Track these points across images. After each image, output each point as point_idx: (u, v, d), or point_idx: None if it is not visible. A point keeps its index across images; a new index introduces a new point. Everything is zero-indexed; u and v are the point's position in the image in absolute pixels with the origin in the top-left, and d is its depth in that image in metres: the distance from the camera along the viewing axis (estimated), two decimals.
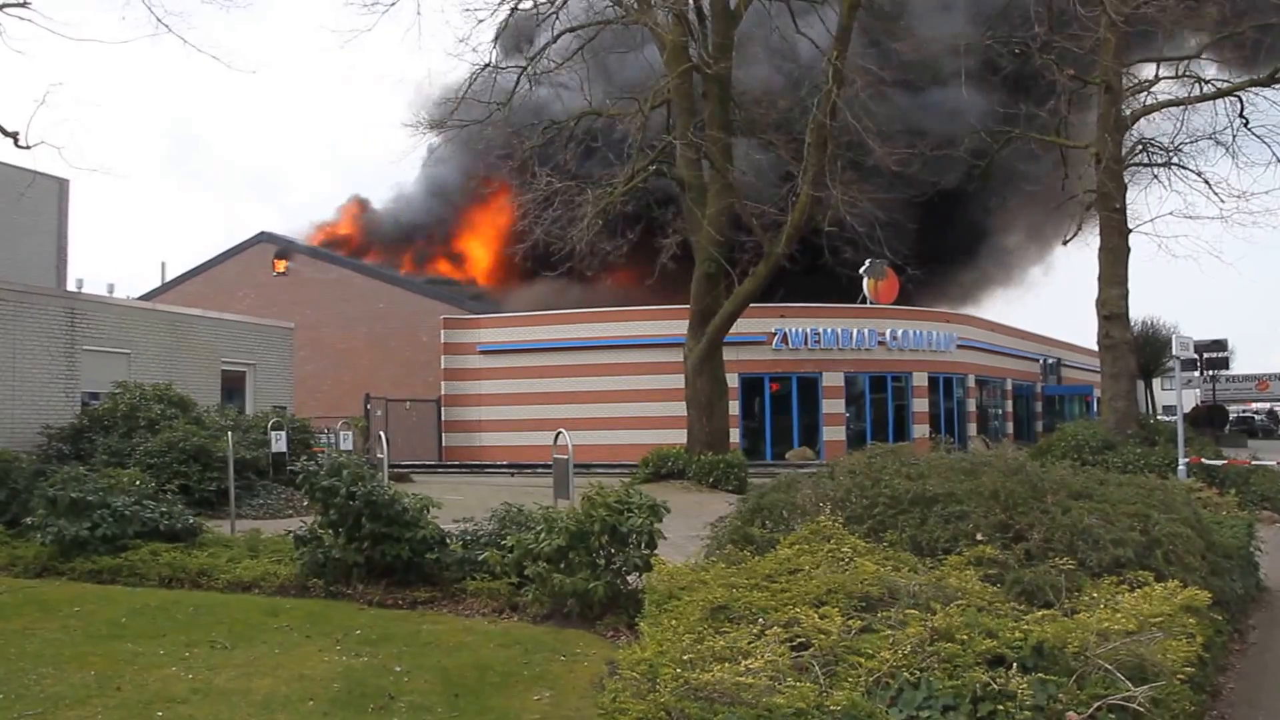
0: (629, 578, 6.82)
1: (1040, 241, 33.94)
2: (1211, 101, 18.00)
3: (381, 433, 15.95)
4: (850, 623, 4.24)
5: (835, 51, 16.94)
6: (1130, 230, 17.91)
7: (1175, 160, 19.01)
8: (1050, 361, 36.16)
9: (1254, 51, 16.56)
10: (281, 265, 31.35)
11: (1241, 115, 18.04)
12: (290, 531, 8.38)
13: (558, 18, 20.24)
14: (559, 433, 9.63)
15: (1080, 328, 77.36)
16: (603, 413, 25.40)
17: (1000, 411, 32.87)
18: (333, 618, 6.96)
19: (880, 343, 26.66)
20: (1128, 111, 18.02)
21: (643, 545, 6.79)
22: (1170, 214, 19.00)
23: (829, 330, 26.24)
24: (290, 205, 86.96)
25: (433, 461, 25.89)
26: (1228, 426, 42.59)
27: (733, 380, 23.00)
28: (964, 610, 4.24)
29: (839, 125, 17.15)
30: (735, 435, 23.68)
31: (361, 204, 37.67)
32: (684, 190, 20.01)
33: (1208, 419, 38.05)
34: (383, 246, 35.01)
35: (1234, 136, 18.15)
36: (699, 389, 19.69)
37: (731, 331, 20.39)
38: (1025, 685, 3.58)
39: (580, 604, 6.67)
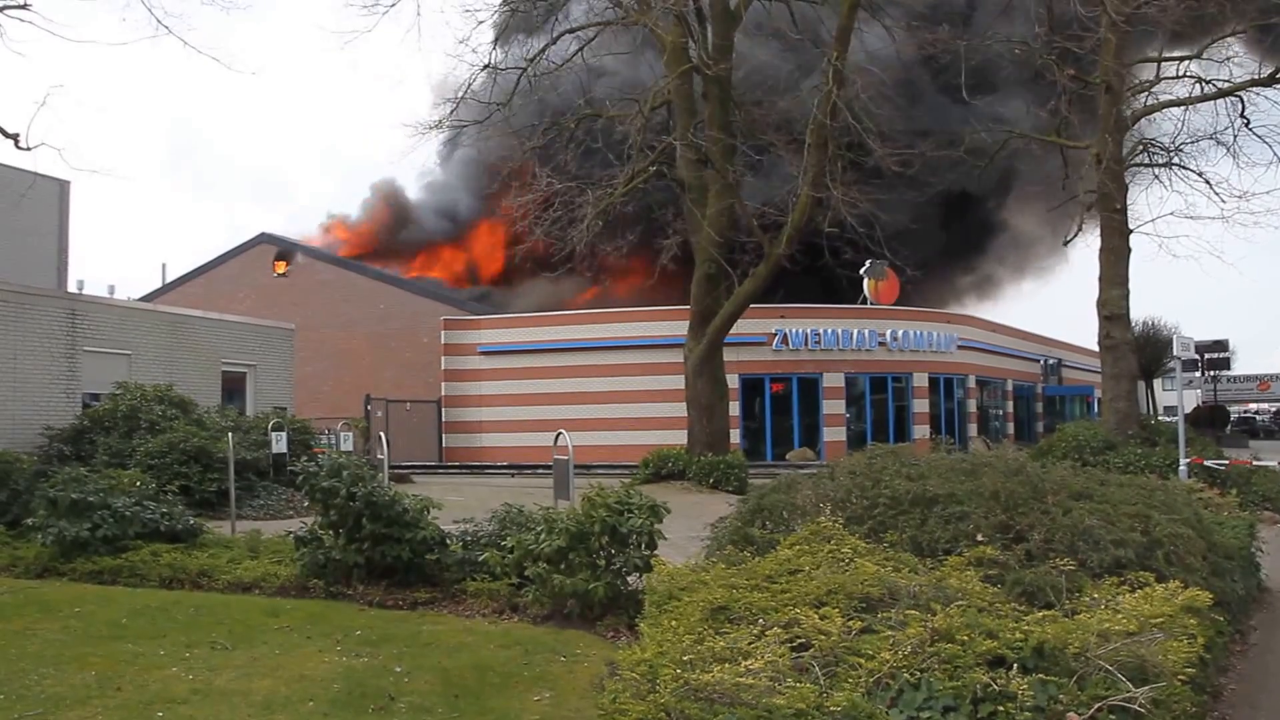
0: (629, 578, 6.81)
1: (1041, 242, 33.94)
2: (1212, 101, 18.00)
3: (382, 434, 15.95)
4: (850, 623, 4.23)
5: (835, 52, 16.94)
6: (1131, 231, 17.91)
7: (1176, 160, 19.02)
8: (1051, 362, 36.14)
9: (1257, 50, 16.56)
10: (282, 266, 31.36)
11: (1243, 115, 18.03)
12: (290, 532, 8.38)
13: (557, 19, 20.26)
14: (559, 433, 9.62)
15: (1081, 328, 77.31)
16: (603, 413, 25.39)
17: (1001, 412, 32.85)
18: (333, 618, 6.96)
19: (881, 343, 26.65)
20: (1128, 112, 18.02)
21: (643, 546, 6.79)
22: (1171, 214, 19.00)
23: (829, 331, 26.23)
24: (290, 206, 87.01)
25: (433, 462, 25.89)
26: (1229, 427, 42.57)
27: (733, 381, 22.99)
28: (964, 611, 4.24)
29: (839, 126, 17.15)
30: (736, 436, 23.67)
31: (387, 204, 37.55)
32: (684, 191, 20.01)
33: (1209, 419, 38.04)
34: (391, 248, 35.01)
35: (1235, 136, 18.16)
36: (699, 390, 19.68)
37: (732, 332, 20.39)
38: (1026, 686, 3.58)
39: (580, 605, 6.67)
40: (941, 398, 28.35)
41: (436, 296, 30.18)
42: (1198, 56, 17.91)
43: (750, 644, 4.06)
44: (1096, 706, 3.58)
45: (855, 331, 26.40)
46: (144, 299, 29.30)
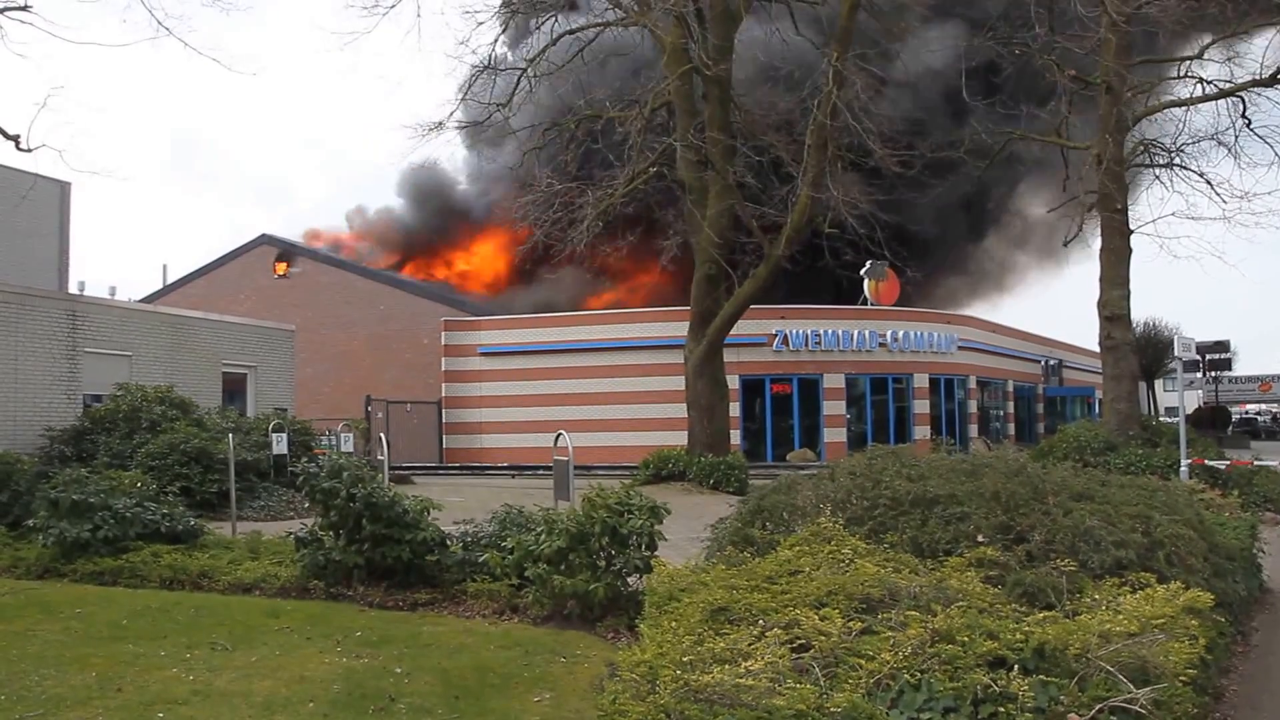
0: (629, 579, 6.81)
1: (1042, 243, 33.94)
2: (1214, 102, 18.00)
3: (382, 435, 15.95)
4: (851, 624, 4.23)
5: (835, 53, 16.94)
6: (1132, 231, 17.91)
7: (1177, 161, 19.02)
8: (1052, 363, 36.12)
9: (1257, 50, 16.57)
10: (282, 268, 31.36)
11: (1244, 116, 18.04)
12: (291, 533, 8.38)
13: (557, 20, 20.26)
14: (559, 434, 9.62)
15: (1082, 329, 77.24)
16: (603, 414, 25.39)
17: (1001, 413, 32.83)
18: (333, 619, 6.96)
19: (881, 344, 26.64)
20: (1129, 112, 18.01)
21: (643, 547, 6.79)
22: (1172, 215, 19.09)
23: (830, 332, 26.23)
24: (291, 207, 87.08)
25: (433, 463, 25.88)
26: (1230, 428, 42.54)
27: (733, 382, 22.98)
28: (965, 612, 4.23)
29: (839, 126, 17.15)
30: (736, 437, 23.66)
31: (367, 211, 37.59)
32: (684, 192, 20.01)
33: (1210, 420, 38.02)
34: (392, 250, 35.01)
35: (1236, 137, 18.17)
36: (699, 391, 19.68)
37: (732, 333, 20.38)
38: (1026, 687, 3.57)
39: (580, 605, 6.66)
40: (942, 398, 28.33)
41: (437, 297, 30.18)
42: (1198, 57, 17.91)
43: (750, 645, 4.05)
44: (1098, 708, 3.57)
45: (856, 332, 26.40)
46: (145, 300, 29.31)
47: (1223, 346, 39.66)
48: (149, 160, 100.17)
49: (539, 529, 7.07)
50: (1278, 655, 6.40)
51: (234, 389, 19.31)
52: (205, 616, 7.08)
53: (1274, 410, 55.85)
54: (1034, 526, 5.88)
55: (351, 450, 15.48)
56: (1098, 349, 18.77)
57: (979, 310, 36.17)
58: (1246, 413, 54.41)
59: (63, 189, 20.00)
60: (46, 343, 15.51)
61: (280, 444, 14.34)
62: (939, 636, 3.93)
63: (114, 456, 13.73)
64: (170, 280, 34.09)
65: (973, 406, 29.72)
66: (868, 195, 17.56)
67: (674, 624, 4.55)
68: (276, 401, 19.69)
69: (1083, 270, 34.54)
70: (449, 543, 7.92)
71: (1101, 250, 17.81)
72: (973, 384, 29.65)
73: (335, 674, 5.55)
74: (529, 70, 20.30)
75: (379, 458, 13.99)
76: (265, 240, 32.40)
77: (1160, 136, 19.32)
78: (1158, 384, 46.92)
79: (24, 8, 10.88)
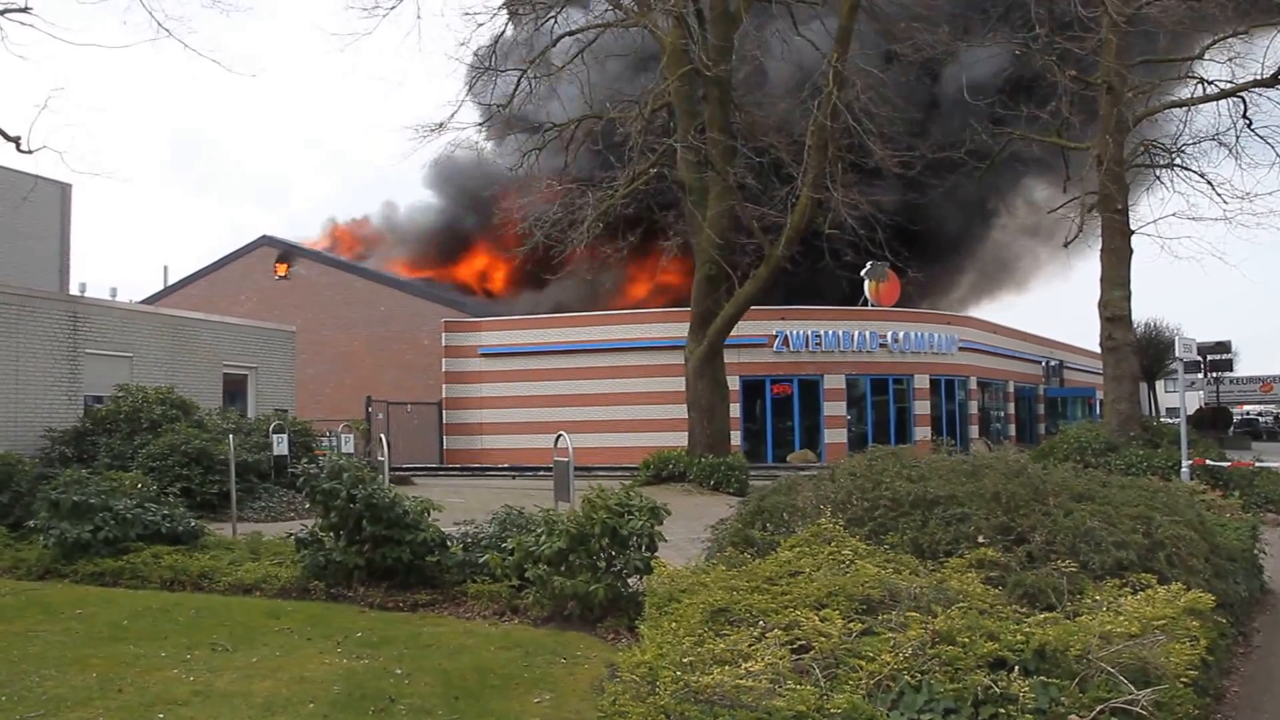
0: (629, 580, 6.81)
1: (1042, 244, 33.93)
2: (1214, 102, 17.99)
3: (382, 436, 15.95)
4: (851, 625, 4.23)
5: (836, 53, 16.94)
6: (1133, 232, 17.89)
7: (1178, 161, 19.01)
8: (1052, 364, 36.11)
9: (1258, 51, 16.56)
10: (283, 269, 31.38)
11: (1245, 116, 18.02)
12: (291, 534, 8.38)
13: (556, 21, 20.27)
14: (559, 435, 9.62)
15: (1083, 330, 77.20)
16: (603, 415, 25.39)
17: (1002, 414, 32.82)
18: (333, 620, 6.96)
19: (882, 345, 26.64)
20: (1129, 113, 18.00)
21: (643, 548, 6.78)
22: (1173, 215, 19.08)
23: (830, 332, 26.23)
24: (291, 209, 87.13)
25: (434, 464, 25.89)
26: (1231, 428, 42.51)
27: (734, 383, 22.98)
28: (965, 613, 4.22)
29: (839, 127, 17.14)
30: (736, 438, 23.66)
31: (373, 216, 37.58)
32: (685, 193, 20.01)
33: (1211, 421, 37.99)
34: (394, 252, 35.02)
35: (1237, 137, 18.15)
36: (700, 391, 19.68)
37: (732, 334, 20.37)
38: (1027, 688, 3.57)
39: (581, 606, 6.66)
40: (943, 399, 28.33)
41: (437, 298, 30.20)
42: (1199, 57, 17.90)
43: (750, 646, 4.05)
44: (1098, 709, 3.57)
45: (856, 333, 26.40)
46: (146, 301, 29.34)
47: (1224, 347, 39.64)
48: (149, 162, 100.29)
49: (539, 530, 7.07)
50: (1279, 656, 6.39)
51: (234, 390, 19.32)
52: (206, 617, 7.08)
53: (1275, 411, 55.78)
54: (1035, 527, 5.88)
55: (352, 451, 15.49)
56: (1098, 350, 18.75)
57: (980, 310, 36.22)
58: (1247, 413, 54.35)
59: (63, 190, 20.01)
60: (47, 344, 15.52)
61: (281, 445, 14.35)
62: (939, 638, 3.92)
63: (115, 457, 13.74)
64: (171, 281, 34.12)
65: (973, 407, 29.71)
66: (868, 196, 17.54)
67: (674, 625, 4.54)
68: (277, 402, 19.70)
69: (1084, 271, 34.46)
70: (449, 544, 7.92)
71: (1102, 251, 17.79)
72: (973, 385, 29.64)
73: (336, 675, 5.55)
74: (529, 71, 20.30)
75: (379, 459, 13.99)
76: (266, 241, 32.42)
77: (1161, 137, 19.31)
78: (1159, 385, 46.90)
79: (24, 9, 10.89)
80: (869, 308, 27.53)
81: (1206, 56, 17.86)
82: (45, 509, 9.10)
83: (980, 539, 5.80)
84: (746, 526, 7.05)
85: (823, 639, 4.06)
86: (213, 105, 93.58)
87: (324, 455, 13.25)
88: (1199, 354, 31.29)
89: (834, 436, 26.05)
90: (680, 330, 21.18)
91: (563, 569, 6.74)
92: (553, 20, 20.18)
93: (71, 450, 14.37)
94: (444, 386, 27.65)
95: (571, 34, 20.42)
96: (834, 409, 26.45)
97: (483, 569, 7.52)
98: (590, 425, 24.08)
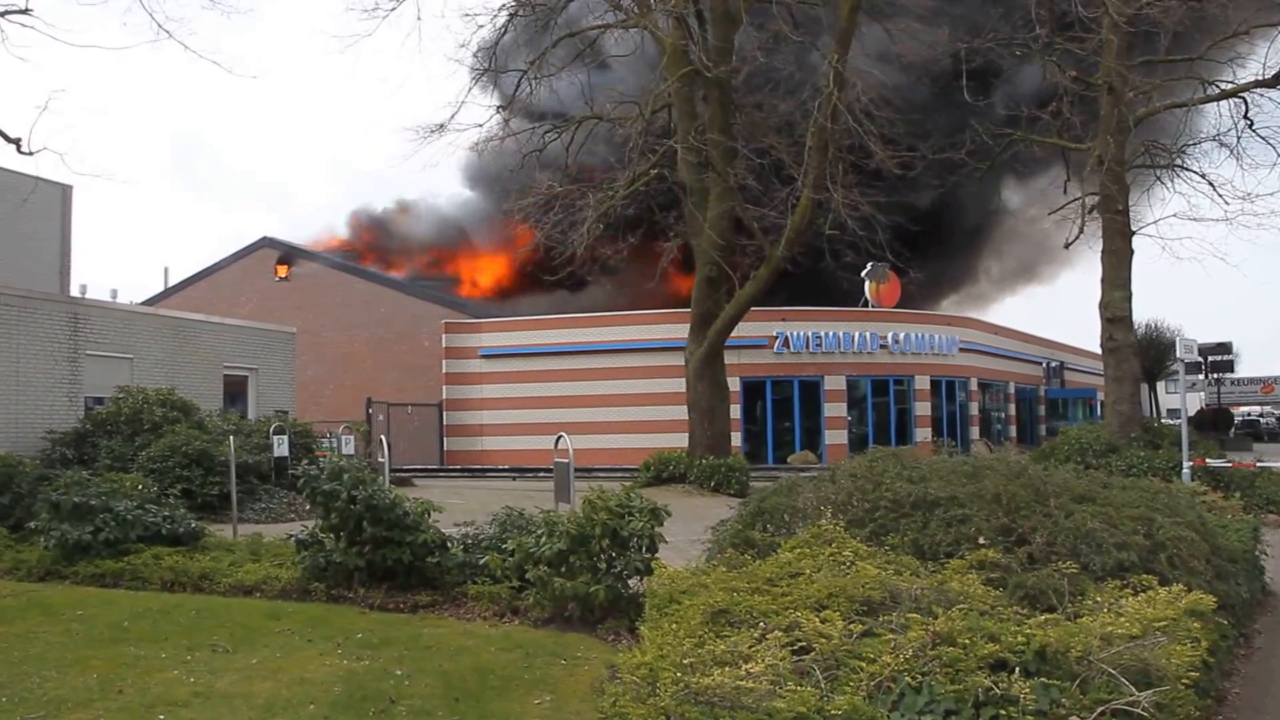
0: (630, 581, 6.81)
1: (1043, 244, 33.92)
2: (1215, 103, 17.98)
3: (383, 437, 15.96)
4: (851, 627, 4.22)
5: (836, 54, 16.94)
6: (1133, 232, 17.88)
7: (1179, 162, 18.99)
8: (1053, 365, 36.09)
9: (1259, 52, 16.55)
10: (283, 270, 31.39)
11: (1246, 117, 18.02)
12: (292, 535, 8.38)
13: (556, 22, 20.28)
14: (560, 436, 9.62)
15: (1083, 331, 77.18)
16: (604, 417, 25.38)
17: (1003, 415, 32.80)
18: (334, 621, 6.96)
19: (882, 346, 26.62)
20: (1130, 113, 17.99)
21: (644, 549, 6.78)
22: (1174, 216, 19.03)
23: (830, 333, 26.22)
24: (292, 210, 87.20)
25: (434, 465, 25.88)
26: (1233, 429, 42.48)
27: (734, 384, 22.97)
28: (966, 614, 4.22)
29: (840, 128, 17.14)
30: (737, 439, 23.64)
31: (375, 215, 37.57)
32: (685, 194, 20.01)
33: (1212, 422, 37.98)
34: (396, 255, 35.02)
35: (1238, 138, 18.15)
36: (700, 393, 19.67)
37: (733, 335, 20.36)
38: (1028, 690, 3.57)
39: (581, 608, 6.66)
40: (943, 400, 28.31)
41: (438, 300, 30.21)
42: (1200, 58, 17.90)
43: (751, 647, 4.05)
44: (1099, 710, 3.56)
45: (857, 334, 26.39)
46: (146, 303, 29.34)
47: (1225, 348, 39.61)
48: (150, 163, 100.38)
49: (540, 531, 7.06)
50: None
51: (235, 391, 19.33)
52: (206, 618, 7.08)
53: (1276, 412, 55.72)
54: (1035, 529, 5.87)
55: (352, 452, 15.49)
56: (1099, 351, 18.74)
57: (981, 312, 36.20)
58: (1249, 414, 54.29)
59: (64, 192, 20.02)
60: (48, 345, 15.52)
61: (281, 446, 14.35)
62: (940, 639, 3.92)
63: (115, 459, 13.74)
64: (171, 283, 34.13)
65: (974, 409, 29.69)
66: (869, 197, 17.54)
67: (674, 626, 4.54)
68: (277, 404, 19.71)
69: (1084, 272, 34.54)
70: (450, 545, 7.92)
71: (1103, 252, 17.78)
72: (974, 386, 29.62)
73: (336, 676, 5.55)
74: (529, 72, 20.31)
75: (380, 460, 14.00)
76: (266, 243, 32.43)
77: (1161, 138, 19.30)
78: (1159, 386, 46.86)
79: (24, 10, 10.90)
80: (869, 309, 27.53)
81: (1207, 57, 17.86)
82: (46, 510, 9.10)
83: (981, 540, 5.80)
84: (747, 528, 7.05)
85: (823, 640, 4.06)
86: (213, 107, 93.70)
87: (324, 457, 13.22)
88: (1200, 355, 31.27)
89: (834, 438, 26.04)
90: (680, 331, 21.18)
91: (563, 570, 6.74)
92: (553, 21, 20.19)
93: (72, 452, 14.37)
94: (444, 388, 27.65)
95: (572, 35, 20.43)
96: (834, 410, 26.44)
97: (483, 570, 7.51)
98: (591, 426, 24.06)
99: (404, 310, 29.52)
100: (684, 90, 19.01)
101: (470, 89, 20.77)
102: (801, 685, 3.67)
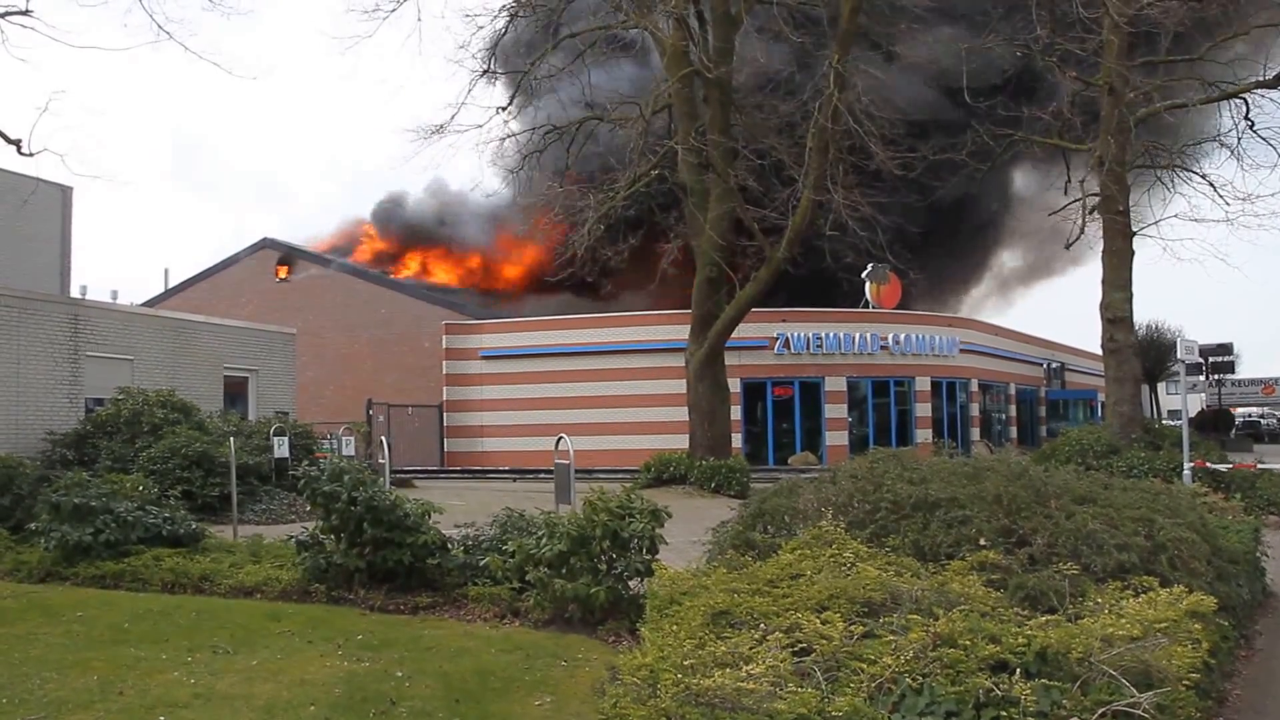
0: (630, 583, 6.80)
1: (1044, 245, 33.90)
2: (1217, 104, 17.96)
3: (383, 438, 15.96)
4: (852, 628, 4.22)
5: (836, 55, 16.95)
6: (1134, 233, 17.87)
7: (1179, 163, 18.99)
8: (1054, 366, 36.07)
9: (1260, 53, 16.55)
10: (284, 271, 31.41)
11: (1247, 117, 18.01)
12: (292, 537, 8.38)
13: (557, 23, 20.29)
14: (560, 438, 9.62)
15: (1084, 332, 77.23)
16: (604, 418, 25.39)
17: (1004, 416, 32.79)
18: (334, 623, 6.96)
19: (883, 347, 26.63)
20: (1131, 114, 17.99)
21: (644, 550, 6.78)
22: (1175, 217, 19.01)
23: (831, 335, 26.22)
24: (292, 211, 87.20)
25: (435, 467, 25.90)
26: (1234, 430, 42.45)
27: (735, 385, 22.97)
28: (967, 616, 4.22)
29: (840, 129, 17.15)
30: (737, 440, 23.64)
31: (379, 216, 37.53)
32: (686, 195, 20.01)
33: (1213, 423, 37.95)
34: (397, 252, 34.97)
35: (1239, 139, 18.14)
36: (701, 394, 19.67)
37: (733, 336, 20.36)
38: (1029, 691, 3.57)
39: (582, 609, 6.65)
40: (944, 401, 28.31)
41: (438, 301, 30.22)
42: (1201, 58, 17.90)
43: (751, 649, 4.05)
44: (1100, 712, 3.56)
45: (857, 335, 26.39)
46: (147, 304, 29.36)
47: (1226, 349, 39.58)
48: (150, 164, 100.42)
49: (540, 532, 7.06)
50: None
51: (235, 392, 19.33)
52: (206, 620, 7.08)
53: (1277, 413, 55.64)
54: (1036, 530, 5.87)
55: (353, 454, 15.49)
56: (1100, 352, 18.73)
57: (982, 313, 36.19)
58: (1250, 415, 54.23)
59: (64, 193, 20.02)
60: (48, 347, 15.53)
61: (281, 447, 14.35)
62: (941, 640, 3.92)
63: (116, 460, 13.74)
64: (172, 284, 34.16)
65: (975, 410, 29.69)
66: (869, 198, 17.54)
67: (675, 628, 4.54)
68: (278, 405, 19.71)
69: (1085, 273, 34.52)
70: (450, 546, 7.92)
71: (1104, 252, 17.78)
72: (974, 387, 29.62)
73: (336, 677, 5.55)
74: (529, 73, 20.32)
75: (380, 461, 14.00)
76: (266, 244, 32.46)
77: (1162, 138, 19.30)
78: (1160, 387, 46.84)
79: (25, 11, 10.90)
80: (870, 310, 27.53)
81: (1208, 58, 17.86)
82: (46, 512, 9.10)
83: (982, 542, 5.80)
84: (747, 529, 7.05)
85: (824, 642, 4.05)
86: (214, 108, 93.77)
87: (325, 458, 13.22)
88: (1201, 356, 31.26)
89: (835, 439, 26.04)
90: (681, 333, 21.18)
91: (564, 571, 6.74)
92: (553, 22, 20.21)
93: (72, 453, 14.38)
94: (445, 389, 27.65)
95: (572, 35, 20.44)
96: (835, 411, 26.44)
97: (483, 572, 7.51)
98: (591, 428, 24.06)
99: (404, 311, 29.54)
100: (684, 91, 19.01)
101: (470, 89, 20.79)
102: (802, 687, 3.67)
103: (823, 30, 19.18)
